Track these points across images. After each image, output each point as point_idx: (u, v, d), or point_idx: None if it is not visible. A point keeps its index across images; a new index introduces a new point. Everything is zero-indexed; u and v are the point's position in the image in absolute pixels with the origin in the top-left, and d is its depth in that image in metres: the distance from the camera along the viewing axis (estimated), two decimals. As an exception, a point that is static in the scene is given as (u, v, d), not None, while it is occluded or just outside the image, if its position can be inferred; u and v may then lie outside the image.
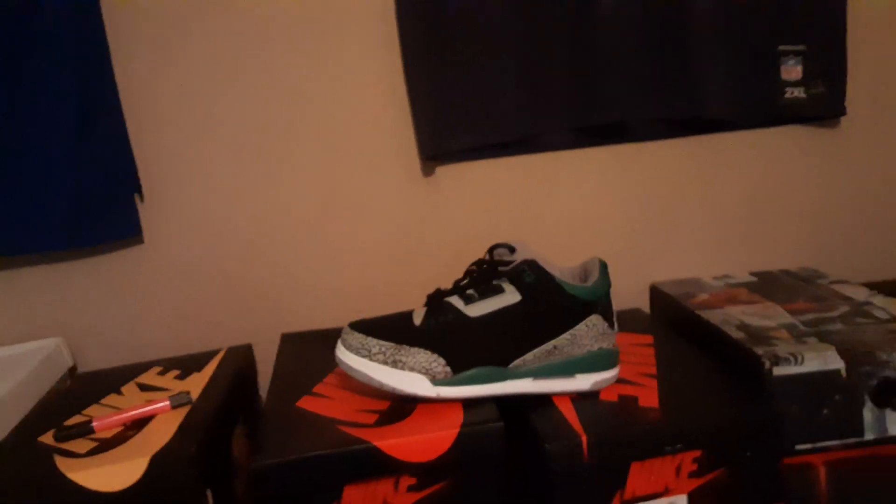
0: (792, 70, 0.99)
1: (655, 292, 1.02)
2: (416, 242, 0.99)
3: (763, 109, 1.00)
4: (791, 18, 0.98)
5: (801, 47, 0.99)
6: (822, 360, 0.72)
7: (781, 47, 0.98)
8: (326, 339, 0.90)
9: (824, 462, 0.73)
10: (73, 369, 0.92)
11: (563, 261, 1.02)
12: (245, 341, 0.98)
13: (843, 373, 0.72)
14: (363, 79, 0.94)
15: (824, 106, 1.01)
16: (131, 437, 0.67)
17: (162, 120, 0.91)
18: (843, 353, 0.72)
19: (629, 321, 0.94)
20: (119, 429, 0.69)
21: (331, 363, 0.79)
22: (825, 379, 0.72)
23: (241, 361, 0.86)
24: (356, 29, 0.93)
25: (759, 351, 0.73)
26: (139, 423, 0.69)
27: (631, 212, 1.03)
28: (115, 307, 0.94)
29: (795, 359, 0.71)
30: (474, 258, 0.99)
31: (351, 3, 0.92)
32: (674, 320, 0.94)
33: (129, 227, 0.91)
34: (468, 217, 1.00)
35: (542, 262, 0.71)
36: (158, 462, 0.62)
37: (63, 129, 0.85)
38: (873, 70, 1.04)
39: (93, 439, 0.67)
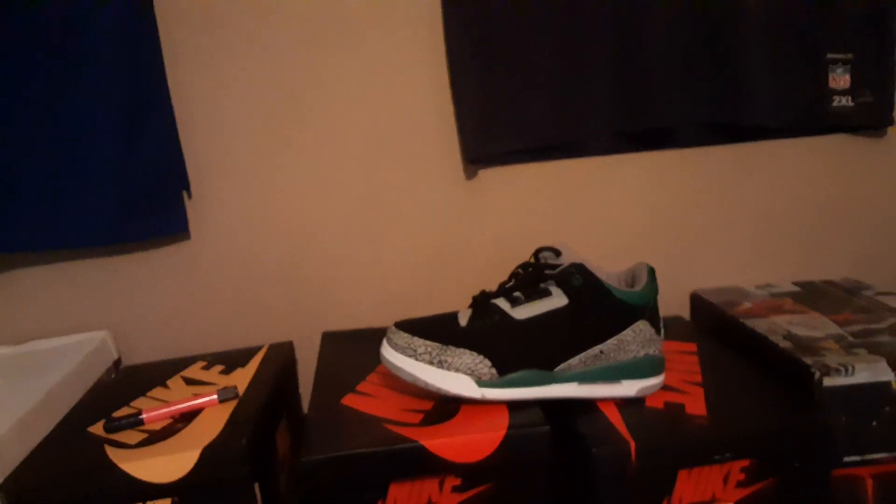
0: (840, 78, 0.98)
1: (697, 300, 1.01)
2: (459, 245, 1.00)
3: (810, 118, 0.99)
4: (839, 27, 0.97)
5: (848, 56, 0.98)
6: (873, 371, 0.71)
7: (829, 55, 0.97)
8: (367, 339, 0.91)
9: (872, 475, 0.72)
10: (117, 362, 0.93)
11: (603, 265, 1.02)
12: (286, 338, 0.99)
13: (894, 385, 0.71)
14: (408, 82, 0.95)
15: (872, 115, 1.00)
16: (180, 429, 0.67)
17: (211, 118, 0.92)
18: (893, 365, 0.71)
19: (671, 328, 0.93)
20: (168, 421, 0.70)
21: (373, 362, 0.80)
22: (875, 390, 0.71)
23: (283, 358, 0.87)
24: (402, 32, 0.93)
25: (809, 361, 0.72)
26: (188, 416, 0.70)
27: (672, 218, 1.03)
28: (160, 302, 0.96)
29: (846, 370, 0.70)
30: (516, 261, 0.99)
31: (397, 7, 0.93)
32: (716, 328, 0.93)
33: (177, 223, 0.92)
34: (510, 220, 1.00)
35: (589, 266, 0.71)
36: (209, 455, 0.62)
37: (113, 126, 0.86)
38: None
39: (142, 431, 0.68)
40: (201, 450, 0.62)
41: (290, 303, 0.98)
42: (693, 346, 0.86)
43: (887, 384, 0.71)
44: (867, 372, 0.71)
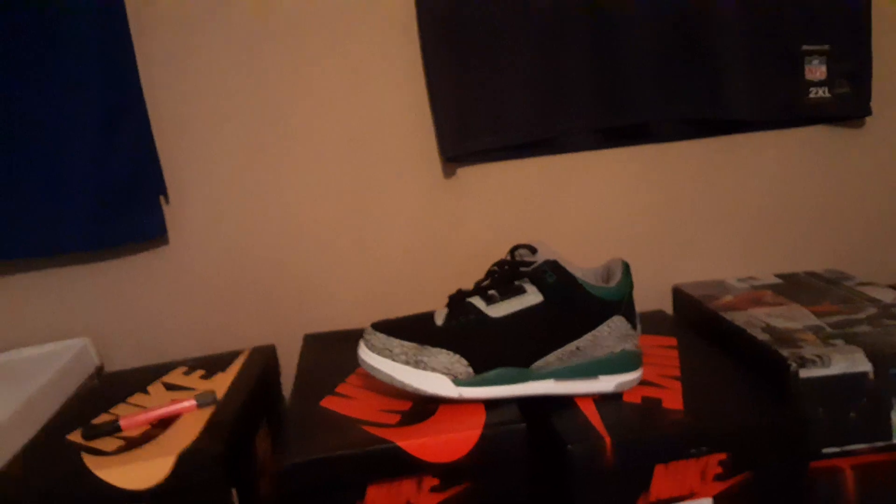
0: (816, 70, 0.98)
1: (678, 294, 1.01)
2: (438, 243, 1.00)
3: (787, 110, 0.99)
4: (814, 18, 0.97)
5: (825, 47, 0.98)
6: (850, 362, 0.71)
7: (805, 47, 0.97)
8: (349, 340, 0.91)
9: (852, 466, 0.72)
10: (99, 369, 0.93)
11: (585, 262, 1.02)
12: (268, 342, 0.99)
13: (871, 375, 0.71)
14: (384, 81, 0.95)
15: (849, 106, 1.00)
16: (158, 435, 0.67)
17: (186, 122, 0.92)
18: (870, 356, 0.71)
19: (652, 323, 0.93)
20: (146, 427, 0.70)
21: (353, 363, 0.80)
22: (852, 381, 0.71)
23: (264, 362, 0.87)
24: (377, 32, 0.93)
25: (785, 353, 0.72)
26: (165, 422, 0.70)
27: (653, 213, 1.03)
28: (140, 307, 0.96)
29: (822, 361, 0.71)
30: (496, 259, 0.99)
31: (372, 7, 0.93)
32: (697, 322, 0.93)
33: (154, 227, 0.92)
34: (490, 218, 1.00)
35: (563, 263, 0.71)
36: (185, 461, 0.62)
37: (87, 131, 0.86)
38: (900, 69, 1.03)
39: (120, 438, 0.68)
40: (177, 455, 0.62)
41: (271, 306, 0.98)
42: (673, 341, 0.86)
43: (864, 375, 0.71)
44: (844, 363, 0.71)
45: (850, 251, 1.08)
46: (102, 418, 0.73)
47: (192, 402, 0.72)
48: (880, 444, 0.72)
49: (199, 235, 0.95)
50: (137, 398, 0.78)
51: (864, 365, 0.71)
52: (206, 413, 0.71)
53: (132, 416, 0.70)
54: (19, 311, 0.93)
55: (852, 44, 0.98)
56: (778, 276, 1.03)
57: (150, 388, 0.81)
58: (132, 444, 0.66)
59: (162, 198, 0.93)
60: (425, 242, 0.99)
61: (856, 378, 0.71)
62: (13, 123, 0.84)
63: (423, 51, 0.93)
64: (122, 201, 0.89)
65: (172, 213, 0.94)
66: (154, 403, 0.76)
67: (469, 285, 1.01)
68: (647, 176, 1.02)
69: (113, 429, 0.69)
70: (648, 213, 1.03)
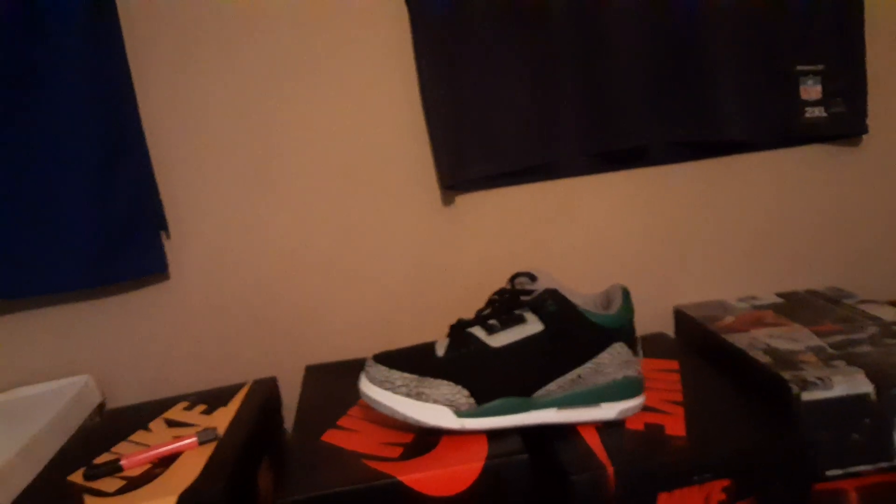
0: (811, 90, 0.98)
1: (680, 316, 1.01)
2: (438, 271, 1.00)
3: (783, 130, 0.99)
4: (808, 38, 0.98)
5: (819, 67, 0.98)
6: (851, 383, 0.71)
7: (799, 67, 0.98)
8: (351, 370, 0.91)
9: (856, 487, 0.72)
10: (101, 405, 0.93)
11: (585, 287, 1.02)
12: (270, 373, 0.99)
13: (873, 396, 0.71)
14: (382, 111, 0.95)
15: (845, 124, 1.00)
16: (159, 474, 0.67)
17: (185, 157, 0.93)
18: (872, 376, 0.71)
19: (654, 346, 0.93)
20: (147, 466, 0.70)
21: (355, 395, 0.80)
22: (854, 403, 0.71)
23: (266, 394, 0.87)
24: (375, 61, 0.94)
25: (787, 375, 0.72)
26: (167, 461, 0.70)
27: (653, 235, 1.03)
28: (142, 343, 0.96)
29: (824, 383, 0.70)
30: (497, 286, 0.99)
31: (369, 36, 0.93)
32: (699, 344, 0.93)
33: (155, 263, 0.92)
34: (489, 245, 1.00)
35: (563, 291, 0.71)
36: (186, 500, 0.62)
37: (86, 167, 0.86)
38: (893, 87, 1.03)
39: (121, 477, 0.68)
40: (178, 495, 0.62)
41: (273, 338, 0.98)
42: (675, 364, 0.86)
43: (866, 396, 0.71)
44: (845, 385, 0.70)
45: (850, 268, 1.07)
46: (104, 457, 0.73)
47: (194, 440, 0.72)
48: (884, 464, 0.71)
49: (200, 269, 0.95)
50: (139, 436, 0.78)
51: (865, 386, 0.71)
52: (208, 450, 0.71)
53: (133, 455, 0.70)
54: (21, 349, 0.93)
55: (847, 62, 0.99)
56: (779, 294, 1.03)
57: (151, 425, 0.81)
58: (133, 483, 0.66)
59: (163, 233, 0.93)
60: (426, 271, 1.00)
61: (858, 399, 0.71)
62: (14, 166, 0.85)
63: (420, 80, 0.94)
64: (123, 238, 0.89)
65: (173, 248, 0.94)
66: (156, 441, 0.76)
67: (470, 313, 1.00)
68: (644, 199, 1.02)
69: (114, 469, 0.69)
70: (647, 235, 1.03)
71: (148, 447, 0.72)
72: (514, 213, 1.00)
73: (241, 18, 0.91)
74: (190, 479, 0.65)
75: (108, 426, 0.83)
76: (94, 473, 0.68)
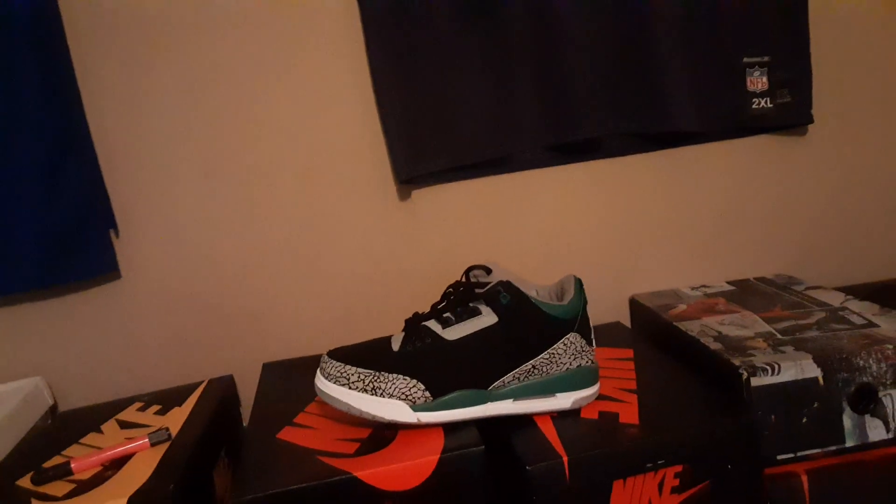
0: (758, 81, 1.00)
1: (635, 305, 1.02)
2: (396, 266, 0.99)
3: (731, 121, 1.01)
4: (754, 30, 1.00)
5: (765, 58, 1.00)
6: (799, 368, 0.72)
7: (746, 59, 1.00)
8: (308, 367, 0.90)
9: (806, 470, 0.73)
10: (53, 408, 0.91)
11: (542, 278, 1.03)
12: (227, 371, 0.98)
13: (821, 380, 0.72)
14: (336, 108, 0.95)
15: (791, 115, 1.02)
16: (110, 477, 0.66)
17: (136, 155, 0.91)
18: (819, 361, 0.72)
19: (609, 335, 0.94)
20: (98, 469, 0.68)
21: (312, 392, 0.79)
22: (803, 387, 0.72)
23: (222, 393, 0.86)
24: (327, 58, 0.93)
25: (737, 362, 0.74)
26: (118, 463, 0.69)
27: (607, 226, 1.04)
28: (94, 343, 0.94)
29: (772, 368, 0.72)
30: (453, 280, 1.00)
31: (321, 33, 0.93)
32: (653, 333, 0.95)
33: (105, 262, 0.90)
34: (446, 239, 1.00)
35: (517, 282, 0.71)
36: (137, 502, 0.61)
37: (33, 168, 0.84)
38: (838, 77, 1.06)
39: (71, 481, 0.66)
40: (128, 498, 0.61)
41: (229, 336, 0.97)
42: (630, 353, 0.87)
43: (814, 380, 0.72)
44: (793, 370, 0.72)
45: (798, 255, 1.10)
46: (54, 461, 0.71)
47: (145, 441, 0.71)
48: (833, 447, 0.73)
49: (152, 268, 0.94)
50: (91, 438, 0.77)
51: (813, 371, 0.72)
52: (160, 451, 0.70)
53: (84, 458, 0.68)
54: (-33, 353, 0.91)
55: (792, 54, 1.01)
56: (730, 282, 1.05)
57: (103, 427, 0.79)
58: (83, 487, 0.65)
59: (112, 232, 0.91)
60: (382, 266, 0.99)
61: (806, 384, 0.72)
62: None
63: (373, 75, 0.93)
64: (73, 238, 0.87)
65: (123, 247, 0.93)
66: (108, 443, 0.74)
67: (427, 307, 1.00)
68: (598, 190, 1.03)
69: (64, 472, 0.67)
70: (602, 226, 1.04)
71: (100, 449, 0.70)
72: (471, 206, 1.00)
73: (187, 14, 0.90)
74: (141, 480, 0.64)
75: (60, 429, 0.81)
76: (43, 478, 0.67)
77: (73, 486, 0.65)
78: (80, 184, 0.88)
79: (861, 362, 0.72)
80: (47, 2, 0.84)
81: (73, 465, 0.68)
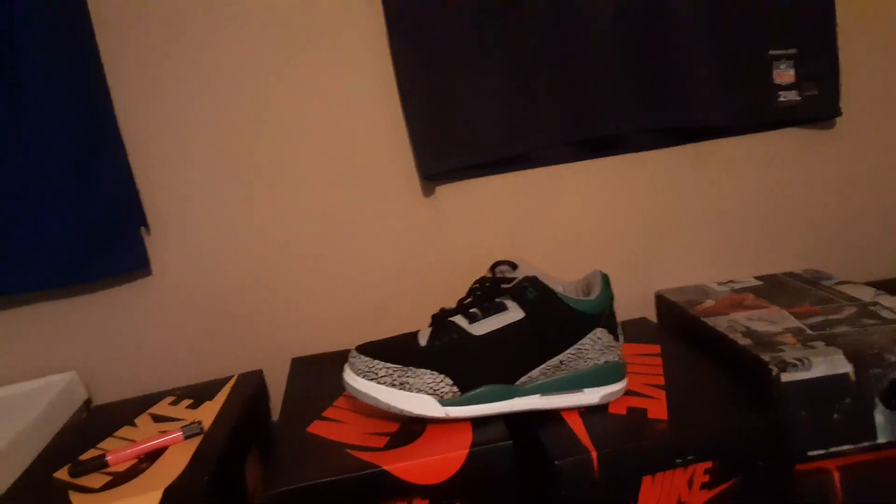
0: (784, 74, 0.99)
1: (661, 300, 1.02)
2: (422, 261, 1.00)
3: (757, 114, 1.00)
4: (780, 23, 0.98)
5: (792, 51, 0.99)
6: (830, 364, 0.72)
7: (772, 52, 0.99)
8: (336, 362, 0.91)
9: (838, 467, 0.73)
10: (88, 402, 0.93)
11: (567, 274, 1.03)
12: (256, 367, 0.99)
13: (852, 376, 0.72)
14: (360, 104, 0.95)
15: (819, 108, 1.01)
16: (145, 469, 0.67)
17: (163, 151, 0.92)
18: (850, 357, 0.72)
19: (636, 331, 0.94)
20: (133, 462, 0.70)
21: (340, 386, 0.80)
22: (834, 383, 0.72)
23: (252, 388, 0.87)
24: (353, 54, 0.94)
25: (766, 357, 0.73)
26: (153, 456, 0.70)
27: (632, 221, 1.04)
28: (127, 338, 0.95)
29: (803, 364, 0.71)
30: (478, 275, 1.00)
31: (346, 29, 0.93)
32: (680, 328, 0.94)
33: (136, 259, 0.92)
34: (471, 235, 1.00)
35: (543, 278, 0.71)
36: (172, 494, 0.62)
37: (64, 166, 0.86)
38: (866, 69, 1.04)
39: (107, 473, 0.68)
40: (163, 490, 0.62)
41: (258, 330, 0.98)
42: (657, 348, 0.87)
43: (845, 376, 0.72)
44: (824, 365, 0.71)
45: (827, 250, 1.09)
46: (90, 454, 0.73)
47: (179, 434, 0.72)
48: (865, 444, 0.72)
49: (182, 264, 0.95)
50: (125, 431, 0.78)
51: (844, 366, 0.72)
52: (193, 444, 0.71)
53: (119, 450, 0.70)
54: (6, 347, 0.93)
55: (819, 46, 1.00)
56: (758, 277, 1.04)
57: (137, 421, 0.81)
58: (119, 479, 0.66)
59: (143, 229, 0.93)
60: (408, 261, 1.00)
61: (837, 380, 0.72)
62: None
63: (397, 71, 0.94)
64: (103, 236, 0.89)
65: (154, 244, 0.94)
66: (142, 436, 0.76)
67: (453, 303, 1.01)
68: (622, 185, 1.03)
69: (100, 465, 0.69)
70: (626, 221, 1.04)
71: (134, 442, 0.72)
72: (495, 202, 1.00)
73: (217, 13, 0.91)
74: (175, 473, 0.65)
75: (94, 422, 0.83)
76: (80, 470, 0.68)
77: (109, 478, 0.67)
78: (111, 181, 0.89)
79: (893, 358, 0.72)
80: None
81: (108, 458, 0.69)
